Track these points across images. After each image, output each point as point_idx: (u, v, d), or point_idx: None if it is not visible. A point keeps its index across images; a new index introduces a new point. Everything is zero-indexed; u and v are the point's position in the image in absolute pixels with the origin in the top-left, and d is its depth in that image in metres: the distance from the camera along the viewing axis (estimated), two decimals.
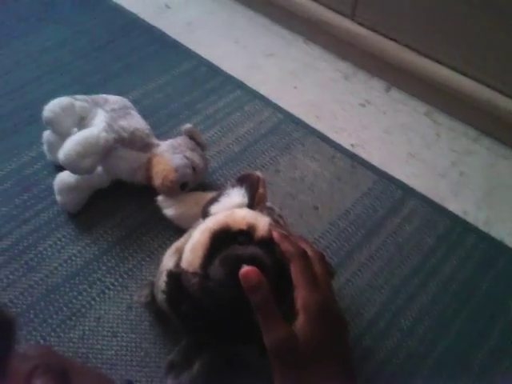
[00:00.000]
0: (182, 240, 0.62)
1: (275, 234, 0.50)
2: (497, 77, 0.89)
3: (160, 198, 0.77)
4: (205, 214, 0.57)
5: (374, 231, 0.79)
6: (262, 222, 0.52)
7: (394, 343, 0.68)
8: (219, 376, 0.60)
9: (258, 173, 0.59)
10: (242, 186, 0.58)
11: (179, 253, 0.57)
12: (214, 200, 0.59)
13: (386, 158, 0.90)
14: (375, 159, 0.90)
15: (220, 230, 0.52)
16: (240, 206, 0.56)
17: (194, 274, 0.51)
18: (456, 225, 0.81)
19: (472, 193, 0.86)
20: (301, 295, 0.46)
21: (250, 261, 0.47)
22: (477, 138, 0.94)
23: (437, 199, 0.84)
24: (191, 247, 0.53)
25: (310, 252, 0.50)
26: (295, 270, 0.47)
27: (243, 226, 0.51)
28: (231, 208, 0.56)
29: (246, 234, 0.51)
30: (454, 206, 0.83)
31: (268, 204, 0.67)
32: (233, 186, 0.59)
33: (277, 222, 0.63)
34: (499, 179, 0.88)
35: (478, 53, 0.89)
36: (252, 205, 0.56)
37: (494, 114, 0.91)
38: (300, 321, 0.45)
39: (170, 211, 0.76)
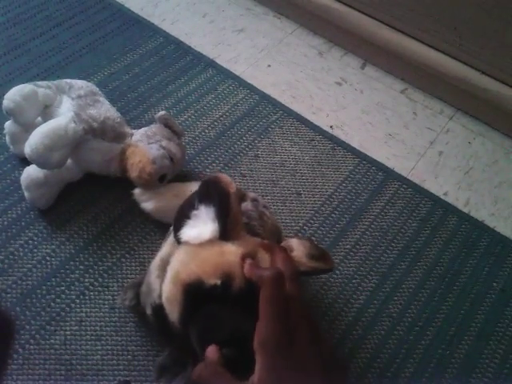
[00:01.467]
0: (164, 250, 0.58)
1: (245, 270, 0.45)
2: (472, 53, 0.88)
3: (137, 192, 0.73)
4: (177, 238, 0.51)
5: (358, 216, 0.79)
6: (237, 267, 0.47)
7: (385, 331, 0.68)
8: None
9: (229, 182, 0.51)
10: (211, 203, 0.50)
11: (164, 265, 0.54)
12: (184, 218, 0.51)
13: (366, 139, 0.89)
14: (355, 141, 0.88)
15: (193, 284, 0.47)
16: (212, 239, 0.49)
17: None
18: (437, 207, 0.81)
19: (451, 173, 0.86)
20: (258, 331, 0.40)
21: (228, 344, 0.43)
22: (453, 116, 0.94)
23: (417, 181, 0.84)
24: (166, 298, 0.50)
25: (286, 269, 0.44)
26: (261, 300, 0.41)
27: (217, 280, 0.46)
28: (201, 242, 0.49)
29: (221, 287, 0.46)
30: (434, 188, 0.84)
31: (252, 195, 0.65)
32: (201, 199, 0.51)
33: (261, 216, 0.61)
34: (477, 158, 0.89)
35: (453, 30, 0.87)
36: (225, 234, 0.49)
37: (469, 90, 0.91)
38: (257, 364, 0.39)
39: (148, 205, 0.73)
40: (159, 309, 0.52)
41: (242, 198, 0.61)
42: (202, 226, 0.49)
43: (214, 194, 0.50)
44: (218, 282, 0.46)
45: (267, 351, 0.39)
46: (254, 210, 0.61)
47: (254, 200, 0.63)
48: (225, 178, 0.51)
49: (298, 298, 0.43)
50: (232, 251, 0.48)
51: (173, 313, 0.49)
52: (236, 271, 0.47)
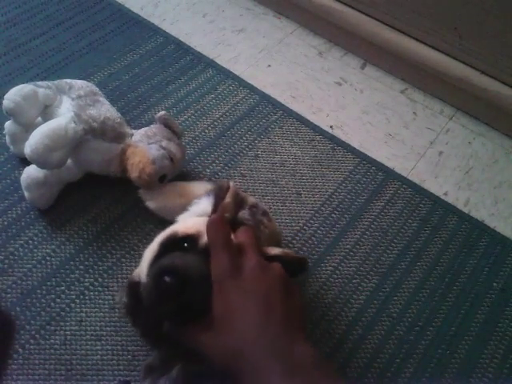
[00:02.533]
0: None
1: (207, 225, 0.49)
2: (472, 53, 0.88)
3: (141, 191, 0.74)
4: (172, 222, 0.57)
5: (358, 216, 0.79)
6: None
7: (385, 331, 0.68)
8: (198, 382, 0.58)
9: (231, 182, 0.58)
10: (210, 194, 0.58)
11: None
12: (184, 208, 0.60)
13: (366, 139, 0.89)
14: (355, 141, 0.88)
15: (169, 236, 0.52)
16: (202, 215, 0.55)
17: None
18: (437, 207, 0.81)
19: (451, 173, 0.86)
20: (212, 263, 0.45)
21: (171, 272, 0.44)
22: (453, 116, 0.94)
23: (417, 181, 0.84)
24: (144, 254, 0.53)
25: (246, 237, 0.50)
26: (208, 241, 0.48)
27: (190, 232, 0.50)
28: (194, 216, 0.56)
29: (191, 241, 0.50)
30: (434, 188, 0.83)
31: (252, 201, 0.64)
32: (206, 193, 0.60)
33: (258, 226, 0.61)
34: (477, 158, 0.89)
35: (453, 30, 0.87)
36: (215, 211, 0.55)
37: (469, 90, 0.91)
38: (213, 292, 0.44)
39: (152, 203, 0.73)
40: (132, 285, 0.54)
41: (240, 204, 0.61)
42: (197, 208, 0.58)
43: (215, 188, 0.57)
44: (191, 233, 0.50)
45: (215, 279, 0.44)
46: (251, 219, 0.60)
47: (253, 207, 0.62)
48: (228, 182, 0.58)
49: (253, 245, 0.48)
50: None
51: (144, 267, 0.51)
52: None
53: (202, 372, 0.56)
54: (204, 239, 0.49)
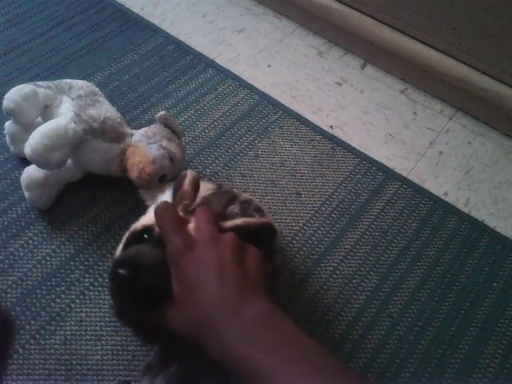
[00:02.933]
0: None
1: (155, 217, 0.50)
2: (472, 53, 0.88)
3: (142, 190, 0.74)
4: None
5: (358, 216, 0.79)
6: None
7: (385, 331, 0.68)
8: (196, 380, 0.59)
9: (189, 171, 0.58)
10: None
11: None
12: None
13: (366, 139, 0.89)
14: (355, 141, 0.88)
15: (132, 231, 0.54)
16: None
17: None
18: (437, 207, 0.81)
19: (451, 173, 0.86)
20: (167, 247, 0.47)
21: (123, 263, 0.46)
22: (453, 116, 0.94)
23: (417, 181, 0.84)
24: (116, 253, 0.55)
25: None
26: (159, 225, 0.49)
27: (148, 223, 0.52)
28: None
29: (148, 231, 0.51)
30: (434, 188, 0.84)
31: (245, 197, 0.64)
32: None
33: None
34: (477, 158, 0.89)
35: (453, 30, 0.87)
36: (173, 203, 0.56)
37: (469, 90, 0.91)
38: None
39: (153, 203, 0.73)
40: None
41: (231, 200, 0.61)
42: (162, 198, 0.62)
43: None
44: (147, 225, 0.52)
45: (171, 259, 0.46)
46: (240, 213, 0.60)
47: (246, 202, 0.62)
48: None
49: (207, 220, 0.49)
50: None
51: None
52: None
53: (201, 371, 0.57)
54: (157, 230, 0.51)
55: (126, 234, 0.54)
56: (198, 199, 0.66)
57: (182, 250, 0.45)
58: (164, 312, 0.46)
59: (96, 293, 0.68)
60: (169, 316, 0.45)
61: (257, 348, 0.39)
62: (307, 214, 0.78)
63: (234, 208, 0.60)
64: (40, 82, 0.76)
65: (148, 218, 0.53)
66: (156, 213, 0.50)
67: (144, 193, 0.73)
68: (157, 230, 0.50)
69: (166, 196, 0.61)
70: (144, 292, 0.46)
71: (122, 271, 0.45)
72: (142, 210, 0.73)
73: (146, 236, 0.51)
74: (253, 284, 0.44)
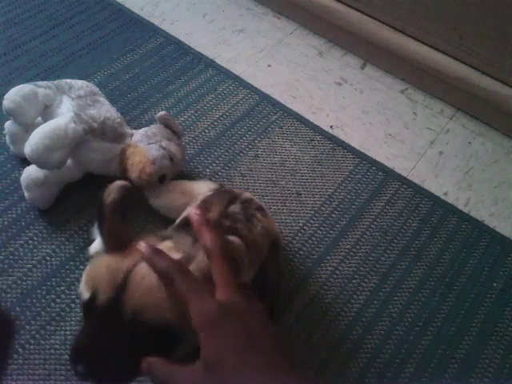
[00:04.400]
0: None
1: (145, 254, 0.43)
2: (472, 53, 0.88)
3: (145, 189, 0.74)
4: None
5: (358, 216, 0.79)
6: (102, 280, 0.43)
7: (385, 331, 0.68)
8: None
9: (112, 189, 0.48)
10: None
11: None
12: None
13: (366, 139, 0.89)
14: (355, 141, 0.88)
15: (82, 300, 0.45)
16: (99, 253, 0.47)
17: None
18: (437, 207, 0.81)
19: (451, 173, 0.86)
20: (192, 311, 0.39)
21: (78, 361, 0.41)
22: (453, 116, 0.94)
23: (417, 181, 0.84)
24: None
25: (210, 245, 0.42)
26: (179, 288, 0.40)
27: (88, 293, 0.44)
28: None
29: (89, 301, 0.43)
30: (434, 188, 0.83)
31: (246, 196, 0.64)
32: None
33: (250, 219, 0.60)
34: (477, 158, 0.89)
35: (453, 30, 0.87)
36: (107, 247, 0.46)
37: (469, 90, 0.91)
38: (201, 340, 0.38)
39: (156, 202, 0.74)
40: None
41: (232, 199, 0.61)
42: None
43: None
44: (88, 295, 0.43)
45: (204, 326, 0.38)
46: (242, 212, 0.60)
47: (246, 202, 0.62)
48: (113, 185, 0.47)
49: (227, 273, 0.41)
50: (103, 264, 0.44)
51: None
52: (100, 285, 0.43)
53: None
54: (100, 298, 0.42)
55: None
56: (200, 197, 0.66)
57: (215, 321, 0.39)
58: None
59: None
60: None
61: None
62: (307, 213, 0.78)
63: (236, 207, 0.60)
64: (40, 82, 0.76)
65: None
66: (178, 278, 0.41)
67: (147, 191, 0.74)
68: (100, 297, 0.42)
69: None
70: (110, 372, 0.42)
71: (80, 369, 0.41)
72: (142, 210, 0.74)
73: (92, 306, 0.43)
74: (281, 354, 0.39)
